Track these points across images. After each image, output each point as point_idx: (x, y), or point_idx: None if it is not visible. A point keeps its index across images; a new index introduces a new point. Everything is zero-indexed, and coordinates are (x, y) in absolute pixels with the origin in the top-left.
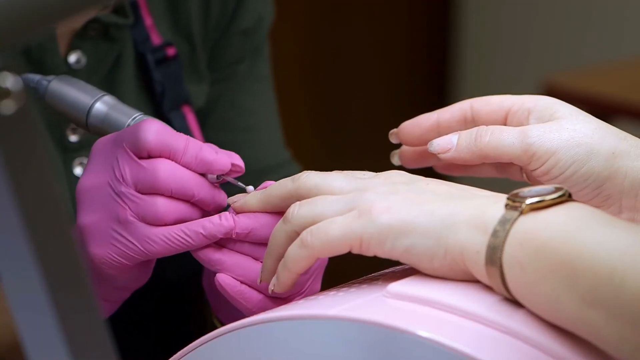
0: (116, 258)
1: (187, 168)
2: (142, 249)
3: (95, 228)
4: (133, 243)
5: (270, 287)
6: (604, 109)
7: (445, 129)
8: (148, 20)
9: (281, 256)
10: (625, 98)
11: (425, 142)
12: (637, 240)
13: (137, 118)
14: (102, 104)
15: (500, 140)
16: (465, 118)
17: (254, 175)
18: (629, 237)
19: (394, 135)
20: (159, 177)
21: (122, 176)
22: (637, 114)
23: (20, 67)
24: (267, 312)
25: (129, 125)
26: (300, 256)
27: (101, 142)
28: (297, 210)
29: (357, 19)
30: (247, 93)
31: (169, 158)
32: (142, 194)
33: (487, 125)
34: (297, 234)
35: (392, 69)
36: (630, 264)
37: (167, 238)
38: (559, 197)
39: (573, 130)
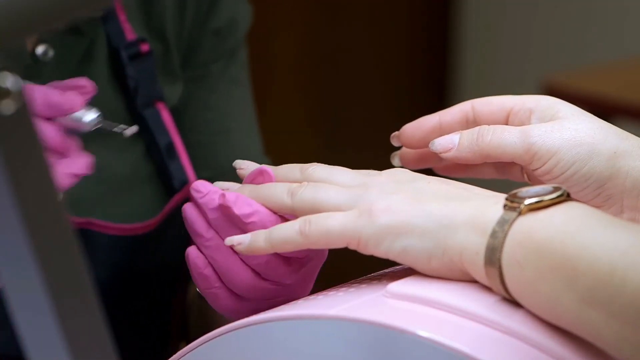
0: None
1: (40, 116)
2: None
3: None
4: None
5: (236, 242)
6: (604, 109)
7: (447, 130)
8: (122, 16)
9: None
10: (625, 98)
11: (427, 144)
12: (637, 240)
13: None
14: None
15: (502, 139)
16: (466, 119)
17: (231, 176)
18: (629, 237)
19: (395, 139)
20: None
21: None
22: (637, 114)
23: (20, 68)
24: (267, 312)
25: None
26: (293, 240)
27: None
28: (301, 191)
29: (356, 19)
30: (221, 95)
31: None
32: None
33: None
34: (293, 211)
35: (392, 69)
36: (631, 264)
37: None
38: (558, 197)
39: (575, 130)
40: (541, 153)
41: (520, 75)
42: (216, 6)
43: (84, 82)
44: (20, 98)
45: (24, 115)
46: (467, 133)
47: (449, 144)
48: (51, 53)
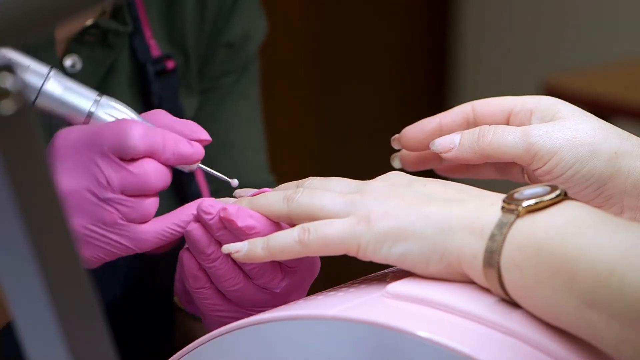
0: (104, 258)
1: (168, 164)
2: (134, 247)
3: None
4: (123, 244)
5: (233, 250)
6: (604, 109)
7: (448, 132)
8: (147, 32)
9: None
10: (625, 98)
11: (427, 146)
12: (637, 240)
13: (102, 103)
14: (55, 83)
15: (503, 139)
16: (467, 120)
17: (231, 191)
18: (629, 237)
19: (396, 141)
20: (150, 180)
21: (107, 183)
22: (637, 114)
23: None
24: (266, 312)
25: (90, 112)
26: (292, 249)
27: (70, 139)
28: (297, 197)
29: (356, 19)
30: (229, 109)
31: (151, 157)
32: (130, 196)
33: None
34: (289, 218)
35: (392, 69)
36: (631, 265)
37: (160, 234)
38: (556, 197)
39: (575, 130)
40: (542, 153)
41: (520, 75)
42: (231, 20)
43: (204, 135)
44: (20, 98)
45: (24, 115)
46: (467, 133)
47: (450, 144)
48: (79, 65)
